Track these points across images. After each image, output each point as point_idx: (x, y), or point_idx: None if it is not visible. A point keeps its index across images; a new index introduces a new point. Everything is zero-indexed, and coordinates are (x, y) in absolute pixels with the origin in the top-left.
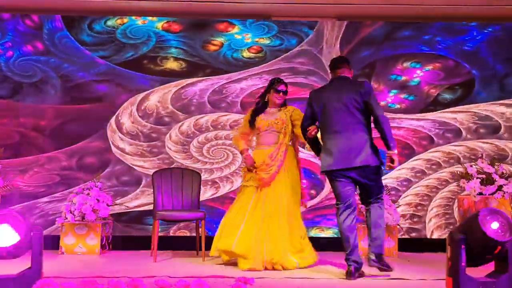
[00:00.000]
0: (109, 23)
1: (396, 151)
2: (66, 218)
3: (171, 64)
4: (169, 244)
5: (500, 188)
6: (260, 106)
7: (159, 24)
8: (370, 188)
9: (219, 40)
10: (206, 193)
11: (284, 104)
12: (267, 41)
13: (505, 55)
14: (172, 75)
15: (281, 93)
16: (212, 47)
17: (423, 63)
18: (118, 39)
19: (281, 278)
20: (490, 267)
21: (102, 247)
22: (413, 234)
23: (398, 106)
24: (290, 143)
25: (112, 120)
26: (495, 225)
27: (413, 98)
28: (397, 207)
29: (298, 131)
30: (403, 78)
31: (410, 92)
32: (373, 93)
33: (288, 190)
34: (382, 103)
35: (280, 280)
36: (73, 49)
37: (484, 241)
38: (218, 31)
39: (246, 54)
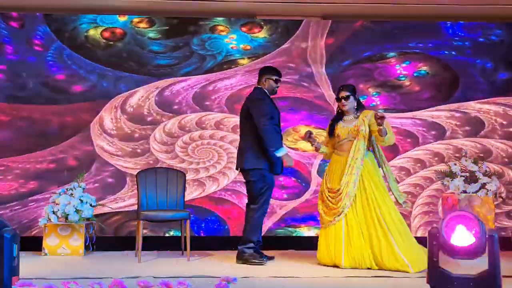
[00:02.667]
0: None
1: (280, 153)
2: (49, 219)
3: (153, 63)
4: (155, 244)
5: (483, 186)
6: (337, 114)
7: (140, 23)
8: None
9: (201, 38)
10: (192, 193)
11: (359, 108)
12: (252, 40)
13: (491, 54)
14: (155, 75)
15: (342, 100)
16: (194, 46)
17: (408, 61)
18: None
19: (266, 277)
20: None
21: (86, 248)
22: None
23: (383, 105)
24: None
25: (96, 120)
26: (460, 229)
27: (397, 96)
28: None
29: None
30: (388, 76)
31: (394, 91)
32: (256, 103)
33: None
34: (369, 100)
35: (264, 279)
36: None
37: (449, 247)
38: (202, 30)
39: (230, 52)
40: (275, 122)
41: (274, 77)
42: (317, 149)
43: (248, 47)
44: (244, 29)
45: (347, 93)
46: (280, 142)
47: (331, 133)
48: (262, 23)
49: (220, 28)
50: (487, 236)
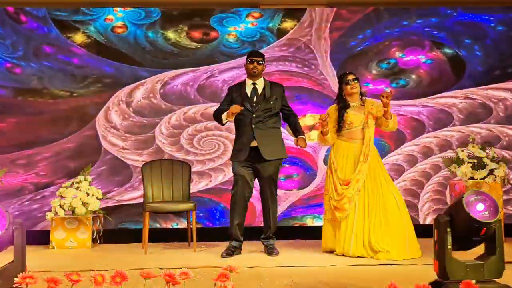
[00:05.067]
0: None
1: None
2: (56, 213)
3: (158, 55)
4: (162, 236)
5: (491, 172)
6: (343, 101)
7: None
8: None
9: (208, 30)
10: (198, 185)
11: (361, 96)
12: (256, 30)
13: (496, 40)
14: (160, 67)
15: (351, 83)
16: (197, 37)
17: (414, 47)
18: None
19: (272, 266)
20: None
21: (93, 241)
22: None
23: (403, 82)
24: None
25: (101, 114)
26: (480, 206)
27: (404, 84)
28: None
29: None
30: (393, 63)
31: (400, 78)
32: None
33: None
34: (375, 88)
35: (270, 269)
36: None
37: (469, 223)
38: (205, 20)
39: (234, 42)
40: (220, 106)
41: (248, 58)
42: (325, 134)
43: (252, 37)
44: (248, 18)
45: (354, 76)
46: (218, 116)
47: (340, 120)
48: (266, 12)
49: (224, 18)
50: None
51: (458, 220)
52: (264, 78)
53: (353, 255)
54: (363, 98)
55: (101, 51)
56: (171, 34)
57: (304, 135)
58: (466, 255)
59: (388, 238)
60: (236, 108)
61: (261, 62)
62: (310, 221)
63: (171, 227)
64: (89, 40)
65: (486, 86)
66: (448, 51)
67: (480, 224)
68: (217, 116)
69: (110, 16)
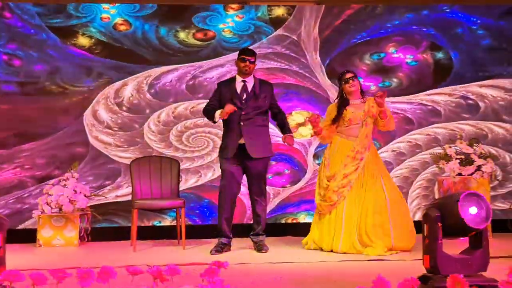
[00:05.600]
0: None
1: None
2: (43, 211)
3: (146, 52)
4: (151, 234)
5: (479, 168)
6: (343, 99)
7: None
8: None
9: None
10: (188, 182)
11: (362, 93)
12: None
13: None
14: (147, 63)
15: (350, 81)
16: (186, 34)
17: (404, 44)
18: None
19: (261, 263)
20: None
21: (81, 238)
22: None
23: (388, 84)
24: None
25: (88, 111)
26: (473, 210)
27: (393, 80)
28: None
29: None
30: (383, 60)
31: (390, 74)
32: None
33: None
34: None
35: (259, 265)
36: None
37: (460, 226)
38: (193, 17)
39: (223, 39)
40: (209, 104)
41: (240, 56)
42: (318, 134)
43: (241, 34)
44: (236, 15)
45: (352, 74)
46: (209, 114)
47: (338, 117)
48: (255, 9)
49: (212, 15)
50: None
51: (449, 219)
52: (254, 76)
53: (341, 251)
54: (365, 96)
55: (88, 46)
56: (159, 30)
57: (291, 133)
58: (450, 249)
59: (378, 232)
60: (230, 108)
61: (253, 61)
62: (300, 218)
63: (160, 224)
64: (76, 35)
65: (474, 83)
66: (439, 47)
67: (471, 229)
68: (207, 113)
69: (105, 15)
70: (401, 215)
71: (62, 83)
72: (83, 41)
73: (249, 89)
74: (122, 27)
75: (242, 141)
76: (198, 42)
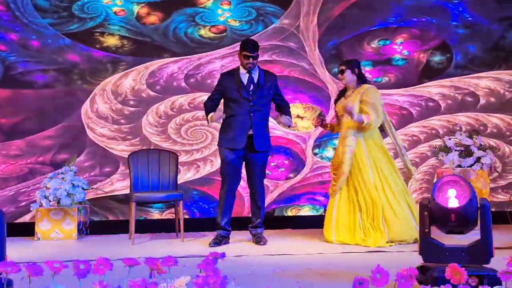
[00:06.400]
0: None
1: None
2: (41, 204)
3: (144, 44)
4: (149, 227)
5: (478, 160)
6: (342, 90)
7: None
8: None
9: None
10: (186, 175)
11: (360, 82)
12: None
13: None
14: (147, 55)
15: (339, 74)
16: (182, 27)
17: (402, 36)
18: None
19: (259, 255)
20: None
21: (79, 232)
22: None
23: (379, 80)
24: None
25: (87, 103)
26: (452, 192)
27: (391, 72)
28: None
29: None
30: (382, 52)
31: (388, 66)
32: None
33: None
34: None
35: (257, 257)
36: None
37: (437, 209)
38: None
39: (212, 32)
40: (211, 97)
41: (243, 53)
42: (326, 128)
43: (239, 25)
44: (235, 6)
45: (343, 67)
46: (208, 109)
47: (335, 109)
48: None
49: (211, 6)
50: (478, 205)
51: (434, 208)
52: (258, 66)
53: (337, 241)
54: (359, 84)
55: (86, 38)
56: (156, 22)
57: (293, 123)
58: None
59: (376, 222)
60: (218, 116)
61: (257, 56)
62: (300, 211)
63: (159, 217)
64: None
65: (474, 75)
66: (438, 38)
67: (446, 210)
68: (205, 110)
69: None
70: (395, 208)
71: (61, 76)
72: (84, 30)
73: (255, 79)
74: (123, 17)
75: (251, 132)
76: (212, 35)
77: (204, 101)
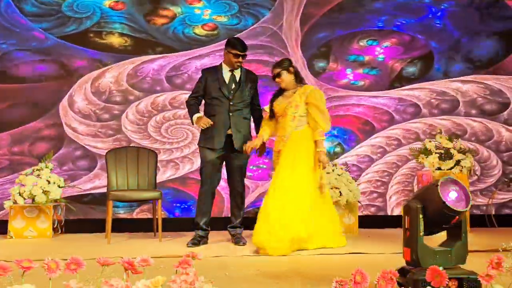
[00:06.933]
0: None
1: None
2: (15, 201)
3: (118, 40)
4: (126, 226)
5: (458, 163)
6: (279, 89)
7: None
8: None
9: (172, 10)
10: (165, 174)
11: (298, 81)
12: (224, 19)
13: (462, 29)
14: (125, 52)
15: (275, 79)
16: (162, 21)
17: (385, 38)
18: (63, 12)
19: (239, 256)
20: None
21: (54, 230)
22: (374, 211)
23: (358, 83)
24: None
25: (65, 100)
26: (453, 194)
27: (373, 74)
28: (358, 184)
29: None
30: (363, 55)
31: (370, 68)
32: None
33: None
34: (344, 81)
35: (236, 258)
36: (17, 21)
37: (442, 211)
38: (174, 7)
39: (199, 31)
40: (194, 95)
41: (233, 51)
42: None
43: (219, 26)
44: (221, 7)
45: (277, 70)
46: (192, 109)
47: (271, 110)
48: (239, 3)
49: (194, 3)
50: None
51: (430, 207)
52: (241, 65)
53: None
54: (299, 84)
55: (65, 33)
56: (138, 18)
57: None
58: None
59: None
60: (207, 123)
61: (246, 55)
62: None
63: (136, 217)
64: (44, 17)
65: (455, 79)
66: (420, 41)
67: (454, 212)
68: (188, 108)
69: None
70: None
71: (38, 70)
72: (64, 25)
73: (237, 78)
74: (105, 12)
75: (230, 131)
76: (205, 32)
77: (186, 99)
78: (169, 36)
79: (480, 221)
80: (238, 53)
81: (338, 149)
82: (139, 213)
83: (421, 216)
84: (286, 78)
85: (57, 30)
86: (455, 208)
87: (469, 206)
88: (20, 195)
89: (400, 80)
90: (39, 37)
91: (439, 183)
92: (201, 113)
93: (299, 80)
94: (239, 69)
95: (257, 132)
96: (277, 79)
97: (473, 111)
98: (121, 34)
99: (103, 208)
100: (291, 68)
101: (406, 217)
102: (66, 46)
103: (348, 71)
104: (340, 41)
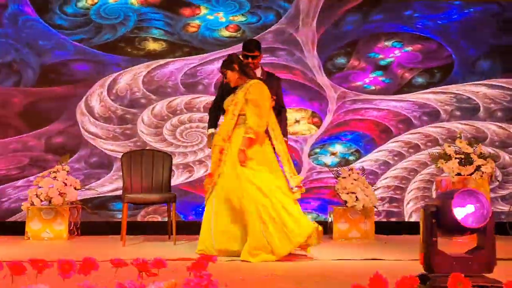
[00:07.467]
0: (80, 4)
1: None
2: (32, 203)
3: (149, 45)
4: (142, 229)
5: (478, 168)
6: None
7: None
8: None
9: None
10: (179, 177)
11: (243, 76)
12: (242, 18)
13: (485, 36)
14: (147, 56)
15: (223, 80)
16: (191, 29)
17: (403, 42)
18: (93, 20)
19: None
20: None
21: (70, 232)
22: (392, 217)
23: (374, 87)
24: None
25: (82, 103)
26: (469, 208)
27: (390, 79)
28: (375, 189)
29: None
30: (382, 58)
31: (389, 72)
32: None
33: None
34: (359, 83)
35: (251, 263)
36: (42, 32)
37: (456, 226)
38: (190, 12)
39: (223, 33)
40: (215, 104)
41: (243, 52)
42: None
43: (238, 28)
44: (233, 9)
45: (222, 70)
46: (210, 122)
47: (222, 109)
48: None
49: (208, 9)
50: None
51: (444, 217)
52: (261, 68)
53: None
54: (246, 79)
55: (82, 37)
56: (155, 23)
57: (286, 137)
58: (456, 249)
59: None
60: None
61: (257, 55)
62: None
63: (151, 219)
64: (71, 26)
65: (476, 82)
66: (438, 45)
67: (466, 229)
68: (209, 117)
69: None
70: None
71: (56, 73)
72: (80, 29)
73: None
74: (121, 16)
75: None
76: (229, 33)
77: (202, 103)
78: (197, 40)
79: (501, 228)
80: (247, 53)
81: (352, 158)
82: (145, 217)
83: (434, 220)
84: (231, 77)
85: (91, 39)
86: (465, 226)
87: (485, 223)
88: (37, 196)
89: (414, 86)
90: (59, 38)
91: (453, 196)
92: (215, 130)
93: (244, 74)
94: (259, 72)
95: (283, 133)
96: (225, 80)
97: (494, 116)
98: (155, 39)
99: (118, 210)
100: (234, 66)
101: (421, 221)
102: (83, 47)
103: (371, 73)
104: (361, 42)
